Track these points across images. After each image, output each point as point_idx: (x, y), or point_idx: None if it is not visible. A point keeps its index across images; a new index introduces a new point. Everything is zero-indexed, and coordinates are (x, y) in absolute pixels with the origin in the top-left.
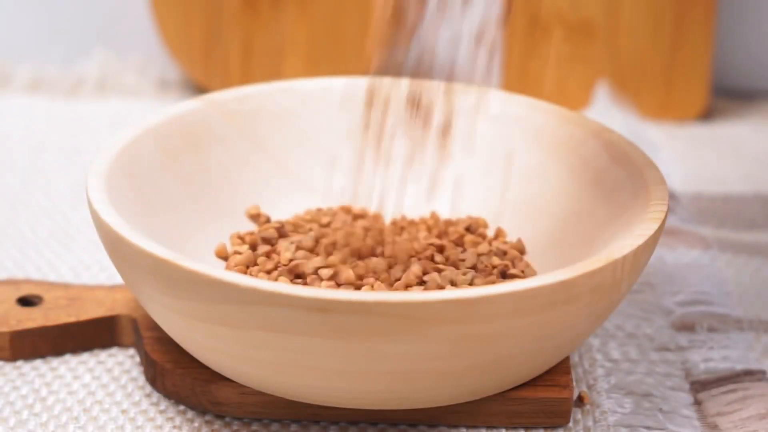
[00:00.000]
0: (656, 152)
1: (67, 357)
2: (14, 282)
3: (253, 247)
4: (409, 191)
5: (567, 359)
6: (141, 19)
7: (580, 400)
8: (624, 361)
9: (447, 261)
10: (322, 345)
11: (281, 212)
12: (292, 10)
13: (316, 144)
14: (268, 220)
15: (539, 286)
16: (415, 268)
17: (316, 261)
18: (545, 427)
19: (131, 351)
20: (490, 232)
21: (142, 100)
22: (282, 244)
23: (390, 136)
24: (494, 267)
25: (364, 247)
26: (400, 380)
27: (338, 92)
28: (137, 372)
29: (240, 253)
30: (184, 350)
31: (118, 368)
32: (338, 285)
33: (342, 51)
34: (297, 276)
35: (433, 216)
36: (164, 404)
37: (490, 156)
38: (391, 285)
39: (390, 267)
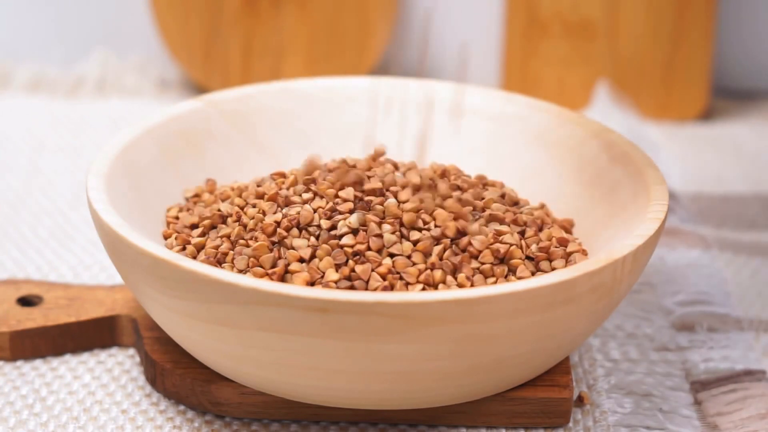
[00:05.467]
0: (656, 152)
1: (67, 357)
2: (14, 282)
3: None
4: None
5: (567, 359)
6: (141, 19)
7: (580, 400)
8: (624, 361)
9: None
10: (322, 345)
11: None
12: (292, 9)
13: (316, 144)
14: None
15: (539, 286)
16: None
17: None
18: (545, 427)
19: (131, 351)
20: None
21: (142, 100)
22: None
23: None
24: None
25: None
26: (400, 380)
27: (338, 92)
28: (137, 372)
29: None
30: (184, 350)
31: (118, 368)
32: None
33: (342, 51)
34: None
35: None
36: (164, 404)
37: (491, 156)
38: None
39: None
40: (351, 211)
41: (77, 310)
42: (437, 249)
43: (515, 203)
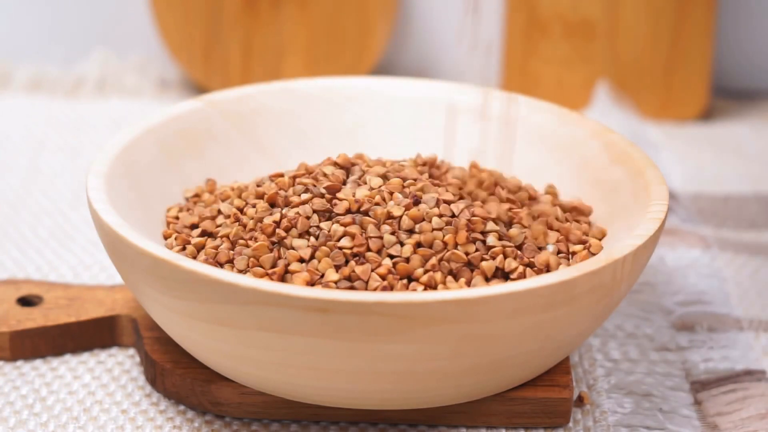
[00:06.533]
0: (656, 152)
1: (67, 357)
2: (14, 282)
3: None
4: None
5: (567, 359)
6: (141, 19)
7: (580, 400)
8: (624, 361)
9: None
10: (323, 345)
11: None
12: (292, 10)
13: (316, 144)
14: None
15: (539, 287)
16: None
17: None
18: (545, 427)
19: (131, 351)
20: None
21: (142, 100)
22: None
23: None
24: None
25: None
26: (400, 380)
27: (338, 92)
28: (137, 372)
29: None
30: (184, 350)
31: (118, 368)
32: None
33: (342, 51)
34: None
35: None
36: (164, 404)
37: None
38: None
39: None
40: (347, 211)
41: (77, 310)
42: (439, 253)
43: (532, 198)
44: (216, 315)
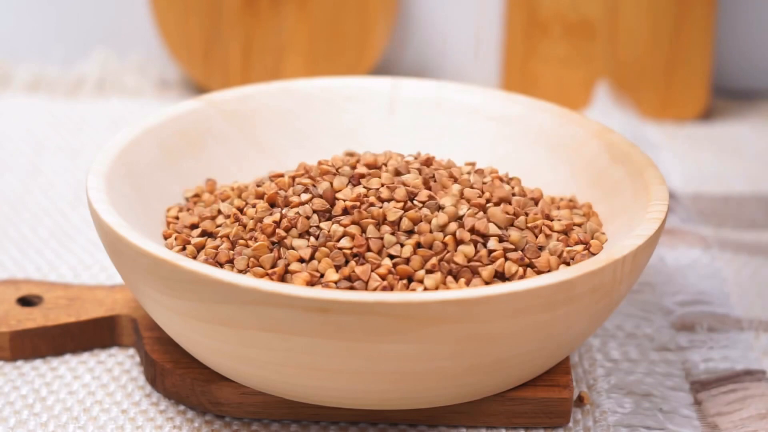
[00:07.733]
0: (656, 152)
1: (67, 357)
2: (14, 282)
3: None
4: None
5: (567, 359)
6: (141, 19)
7: (580, 400)
8: (624, 361)
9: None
10: (322, 345)
11: None
12: (292, 9)
13: (315, 144)
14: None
15: (539, 287)
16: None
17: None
18: (545, 427)
19: (131, 351)
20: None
21: (142, 100)
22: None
23: None
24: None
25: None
26: (400, 380)
27: (337, 92)
28: (137, 372)
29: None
30: (184, 350)
31: (118, 368)
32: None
33: (342, 51)
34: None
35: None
36: (164, 404)
37: (490, 156)
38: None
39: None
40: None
41: (77, 310)
42: (439, 253)
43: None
44: (216, 315)
